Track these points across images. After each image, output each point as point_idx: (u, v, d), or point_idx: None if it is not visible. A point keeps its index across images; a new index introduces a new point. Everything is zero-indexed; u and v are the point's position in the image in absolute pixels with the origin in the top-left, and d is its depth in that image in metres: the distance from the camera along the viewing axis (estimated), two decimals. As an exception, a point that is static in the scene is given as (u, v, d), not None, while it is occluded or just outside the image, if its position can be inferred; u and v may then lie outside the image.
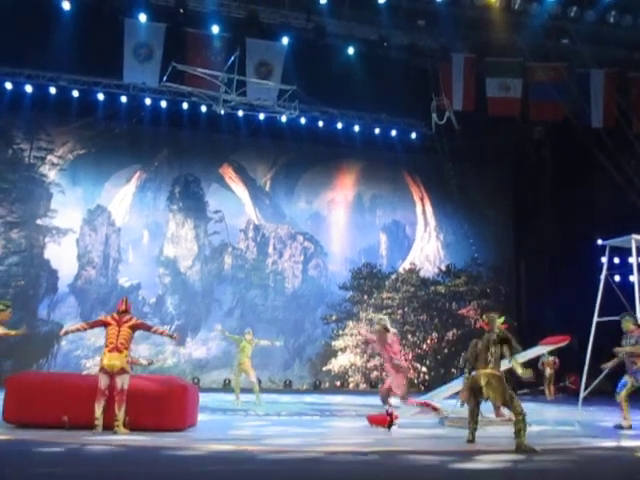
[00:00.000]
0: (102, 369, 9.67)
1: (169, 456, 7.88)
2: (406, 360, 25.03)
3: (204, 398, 16.39)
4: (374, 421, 11.79)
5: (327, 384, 24.18)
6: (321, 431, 11.21)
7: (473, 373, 9.19)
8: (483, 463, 7.92)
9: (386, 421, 11.67)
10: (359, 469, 7.64)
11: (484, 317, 9.54)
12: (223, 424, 12.01)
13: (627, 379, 12.32)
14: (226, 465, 7.67)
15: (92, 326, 10.73)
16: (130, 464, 7.46)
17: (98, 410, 9.39)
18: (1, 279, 21.83)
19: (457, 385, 13.14)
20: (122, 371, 9.62)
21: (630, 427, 12.09)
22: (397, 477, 7.18)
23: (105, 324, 10.19)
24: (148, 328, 10.86)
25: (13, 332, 11.45)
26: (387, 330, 11.63)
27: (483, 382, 8.88)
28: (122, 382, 9.54)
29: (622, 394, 12.27)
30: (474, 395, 9.21)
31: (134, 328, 10.19)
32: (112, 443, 8.41)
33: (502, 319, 9.56)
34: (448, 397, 13.26)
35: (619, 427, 12.20)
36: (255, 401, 15.40)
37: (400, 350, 12.16)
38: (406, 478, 7.15)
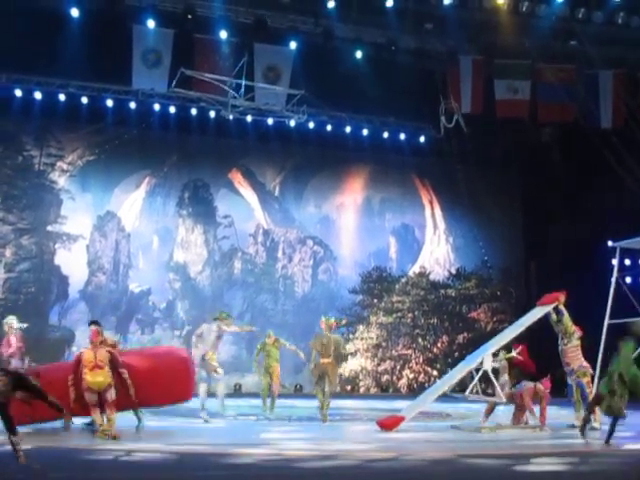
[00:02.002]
0: (88, 389, 9.70)
1: (220, 463, 7.94)
2: (416, 364, 25.07)
3: (214, 403, 16.44)
4: (384, 425, 11.80)
5: (338, 388, 24.04)
6: (332, 435, 11.20)
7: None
8: (543, 465, 8.20)
9: (395, 424, 11.71)
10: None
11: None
12: (238, 429, 12.03)
13: (576, 382, 12.42)
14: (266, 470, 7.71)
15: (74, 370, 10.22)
16: (187, 470, 7.51)
17: (99, 418, 9.46)
18: (12, 285, 21.89)
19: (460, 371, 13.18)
20: (108, 387, 9.70)
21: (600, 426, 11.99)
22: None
23: (78, 361, 10.13)
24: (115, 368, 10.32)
25: (247, 328, 12.14)
26: None
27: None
28: (110, 396, 9.63)
29: (590, 396, 12.21)
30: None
31: (110, 360, 10.09)
32: (160, 450, 8.51)
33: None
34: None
35: (592, 428, 12.06)
36: (263, 407, 15.18)
37: None
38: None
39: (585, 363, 12.58)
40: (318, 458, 8.48)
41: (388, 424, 11.78)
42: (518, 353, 12.79)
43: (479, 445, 10.16)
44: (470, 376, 12.87)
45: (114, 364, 10.11)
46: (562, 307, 12.74)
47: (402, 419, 11.91)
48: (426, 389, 24.15)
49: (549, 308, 12.88)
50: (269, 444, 9.65)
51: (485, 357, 12.24)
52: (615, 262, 15.00)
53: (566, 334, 12.60)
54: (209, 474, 7.45)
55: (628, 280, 15.22)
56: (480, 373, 12.15)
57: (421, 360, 25.25)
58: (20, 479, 6.71)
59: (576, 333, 12.64)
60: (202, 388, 13.06)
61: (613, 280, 14.73)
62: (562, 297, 12.86)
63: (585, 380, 12.38)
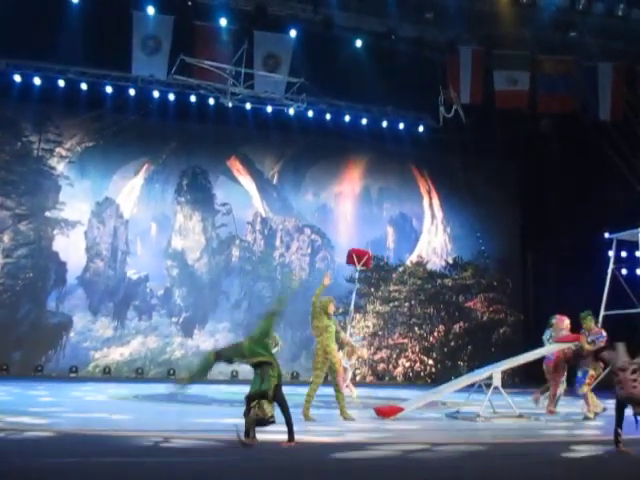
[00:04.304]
0: None
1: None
2: (412, 353, 25.11)
3: (213, 389, 16.50)
4: (382, 413, 11.83)
5: (349, 379, 24.16)
6: (330, 422, 11.22)
7: None
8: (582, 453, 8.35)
9: (393, 413, 11.72)
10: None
11: None
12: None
13: (583, 372, 12.53)
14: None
15: None
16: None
17: None
18: (10, 271, 21.89)
19: (466, 379, 13.20)
20: None
21: (597, 415, 12.20)
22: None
23: None
24: None
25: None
26: None
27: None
28: None
29: (586, 387, 12.39)
30: None
31: None
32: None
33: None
34: (458, 390, 13.31)
35: (586, 418, 12.26)
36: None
37: None
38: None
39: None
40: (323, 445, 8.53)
41: (386, 412, 11.82)
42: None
43: (468, 434, 10.18)
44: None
45: None
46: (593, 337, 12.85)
47: (401, 410, 11.95)
48: (422, 378, 24.42)
49: (567, 345, 13.01)
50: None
51: (494, 373, 12.22)
52: (612, 254, 15.00)
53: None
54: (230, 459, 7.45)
55: (624, 272, 15.21)
56: (491, 389, 12.15)
57: (417, 349, 25.31)
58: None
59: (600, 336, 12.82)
60: None
61: (609, 271, 14.74)
62: (583, 339, 12.98)
63: (592, 372, 12.52)
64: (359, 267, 14.51)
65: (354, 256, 14.50)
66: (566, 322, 13.41)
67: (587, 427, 11.55)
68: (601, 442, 9.31)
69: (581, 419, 12.40)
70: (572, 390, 13.54)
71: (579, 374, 12.85)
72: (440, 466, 7.36)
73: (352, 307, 14.89)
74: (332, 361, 11.48)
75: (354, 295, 14.90)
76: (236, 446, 7.80)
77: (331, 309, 11.56)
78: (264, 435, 8.46)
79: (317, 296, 11.53)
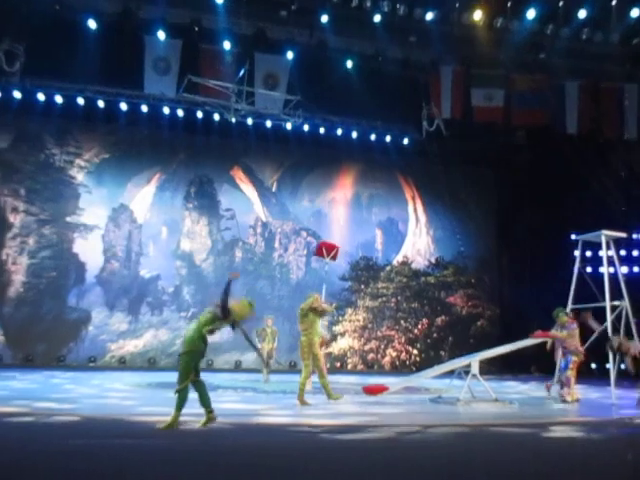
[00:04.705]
0: None
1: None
2: (399, 344, 25.23)
3: (219, 378, 16.58)
4: (369, 391, 12.04)
5: (328, 365, 24.22)
6: (327, 406, 11.31)
7: None
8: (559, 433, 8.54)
9: (379, 390, 11.91)
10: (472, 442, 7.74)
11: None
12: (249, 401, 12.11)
13: (567, 359, 12.70)
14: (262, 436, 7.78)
15: None
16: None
17: None
18: (35, 271, 21.97)
19: (447, 366, 13.34)
20: None
21: (576, 401, 12.38)
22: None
23: None
24: None
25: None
26: None
27: None
28: None
29: (570, 372, 12.58)
30: None
31: None
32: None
33: None
34: (436, 376, 13.45)
35: (564, 402, 12.43)
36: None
37: None
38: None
39: (580, 348, 12.88)
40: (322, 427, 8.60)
41: (372, 390, 12.05)
42: None
43: (451, 416, 10.30)
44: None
45: None
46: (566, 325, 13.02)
47: (386, 389, 12.11)
48: (407, 366, 24.53)
49: (539, 340, 13.19)
50: (267, 414, 9.76)
51: (473, 362, 12.34)
52: (577, 253, 15.13)
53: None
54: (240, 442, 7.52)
55: (589, 270, 15.35)
56: (469, 376, 12.26)
57: (403, 340, 25.41)
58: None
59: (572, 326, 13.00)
60: None
61: (575, 270, 14.86)
62: (555, 333, 13.17)
63: (575, 359, 12.69)
64: (328, 260, 14.53)
65: (323, 249, 14.55)
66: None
67: (565, 410, 11.59)
68: (580, 423, 9.51)
69: (559, 402, 12.54)
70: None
71: (562, 362, 13.01)
72: (437, 446, 7.47)
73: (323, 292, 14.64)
74: (315, 352, 11.65)
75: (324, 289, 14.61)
76: (245, 429, 7.87)
77: (318, 301, 11.74)
78: (269, 419, 8.55)
79: (306, 304, 11.69)
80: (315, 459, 6.48)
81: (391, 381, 14.07)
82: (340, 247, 15.40)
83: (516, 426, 9.11)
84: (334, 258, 14.73)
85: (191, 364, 7.91)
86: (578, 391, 13.11)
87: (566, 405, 12.24)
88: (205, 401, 7.92)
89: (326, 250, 14.52)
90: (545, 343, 13.57)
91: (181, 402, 7.79)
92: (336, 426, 8.65)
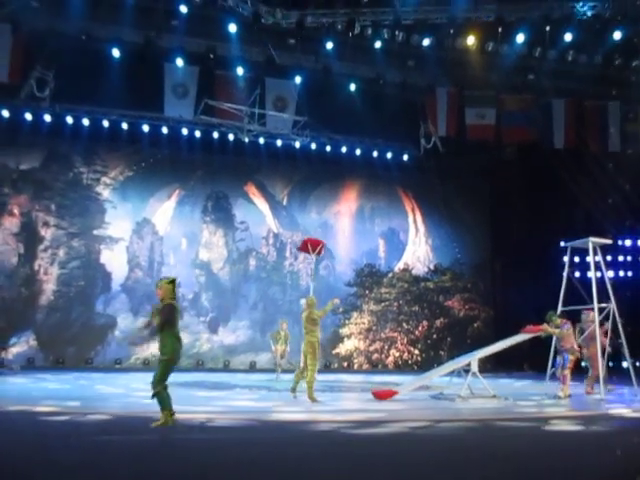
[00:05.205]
0: None
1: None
2: (401, 344, 25.16)
3: (235, 377, 16.54)
4: (379, 395, 11.84)
5: (336, 365, 24.25)
6: (335, 403, 11.27)
7: None
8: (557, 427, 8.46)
9: (389, 395, 11.74)
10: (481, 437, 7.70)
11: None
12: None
13: (564, 357, 12.66)
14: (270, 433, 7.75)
15: None
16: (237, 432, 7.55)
17: None
18: (65, 280, 22.01)
19: (450, 366, 13.28)
20: None
21: (568, 396, 12.34)
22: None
23: None
24: None
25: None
26: None
27: None
28: None
29: (567, 370, 12.54)
30: None
31: None
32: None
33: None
34: (444, 375, 13.39)
35: (558, 397, 12.38)
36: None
37: None
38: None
39: (576, 346, 12.87)
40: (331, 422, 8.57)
41: (382, 395, 11.83)
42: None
43: (454, 412, 10.25)
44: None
45: None
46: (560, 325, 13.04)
47: (395, 393, 11.97)
48: (409, 365, 24.44)
49: (531, 336, 13.17)
50: (281, 412, 9.73)
51: (472, 360, 12.28)
52: (566, 259, 15.06)
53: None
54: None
55: (577, 274, 15.29)
56: (470, 374, 12.20)
57: (405, 341, 25.34)
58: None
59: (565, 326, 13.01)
60: None
61: (565, 274, 14.80)
62: (548, 328, 13.19)
63: (572, 357, 12.68)
64: (313, 255, 14.31)
65: (309, 245, 14.30)
66: (591, 315, 13.65)
67: (558, 405, 11.52)
68: (575, 418, 9.45)
69: (553, 397, 12.48)
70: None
71: (558, 359, 12.95)
72: (450, 439, 7.45)
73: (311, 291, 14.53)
74: (315, 353, 11.45)
75: (312, 284, 14.49)
76: (265, 425, 7.85)
77: (313, 312, 11.58)
78: (284, 415, 8.50)
79: (305, 317, 11.64)
80: (336, 454, 6.43)
81: (396, 380, 14.01)
82: (325, 242, 15.05)
83: (518, 420, 9.09)
84: (319, 253, 14.38)
85: (170, 369, 7.74)
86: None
87: (559, 400, 12.17)
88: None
89: (311, 246, 14.26)
90: (538, 340, 13.51)
91: (165, 401, 7.60)
92: (352, 422, 8.60)
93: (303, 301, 12.43)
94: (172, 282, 7.95)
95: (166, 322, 7.73)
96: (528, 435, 7.82)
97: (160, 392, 7.59)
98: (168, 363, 7.66)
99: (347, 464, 5.87)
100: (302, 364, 11.78)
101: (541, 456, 6.41)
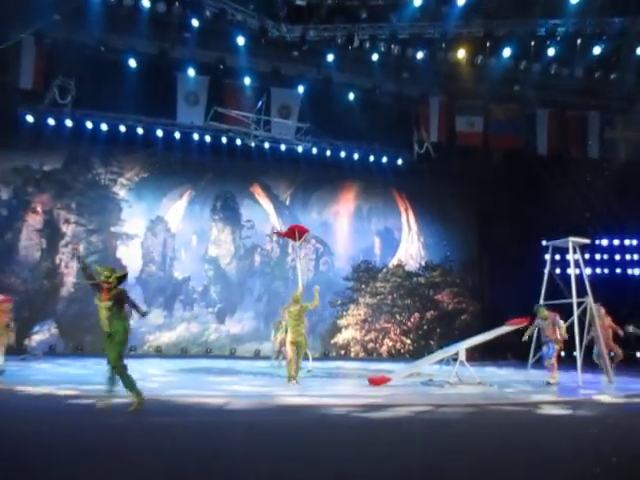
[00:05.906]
0: None
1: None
2: (394, 334, 25.22)
3: (241, 365, 16.60)
4: (374, 382, 11.92)
5: (334, 353, 24.31)
6: (332, 388, 11.32)
7: None
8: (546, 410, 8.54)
9: (383, 382, 11.81)
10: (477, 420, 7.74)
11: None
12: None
13: (549, 347, 12.76)
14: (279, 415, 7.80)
15: None
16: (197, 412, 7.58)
17: None
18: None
19: (440, 354, 13.35)
20: None
21: (558, 383, 12.45)
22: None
23: None
24: None
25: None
26: None
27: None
28: None
29: (553, 359, 12.66)
30: None
31: None
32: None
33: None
34: (434, 363, 13.46)
35: (548, 384, 12.48)
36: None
37: None
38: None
39: (560, 337, 12.98)
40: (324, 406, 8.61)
41: (377, 381, 11.92)
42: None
43: (444, 397, 10.31)
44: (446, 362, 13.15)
45: None
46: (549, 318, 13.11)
47: (389, 379, 12.04)
48: (402, 354, 24.49)
49: (515, 328, 13.24)
50: (288, 396, 9.78)
51: (460, 350, 12.33)
52: (548, 257, 15.13)
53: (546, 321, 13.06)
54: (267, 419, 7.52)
55: (558, 271, 15.34)
56: (457, 362, 12.25)
57: (398, 332, 25.39)
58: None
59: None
60: None
61: (546, 271, 14.86)
62: (526, 321, 13.28)
63: (557, 347, 12.79)
64: (298, 243, 14.26)
65: (296, 231, 14.25)
66: (602, 310, 13.95)
67: (548, 391, 11.58)
68: (566, 402, 9.53)
69: (544, 384, 12.57)
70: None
71: (544, 349, 13.04)
72: (455, 421, 7.53)
73: (299, 280, 14.54)
74: (303, 339, 12.19)
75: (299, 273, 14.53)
76: (274, 409, 7.86)
77: (300, 310, 11.87)
78: (287, 399, 8.53)
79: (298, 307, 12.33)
80: (348, 436, 6.47)
81: (389, 367, 14.07)
82: (310, 231, 14.98)
83: (512, 405, 9.18)
84: (304, 240, 14.29)
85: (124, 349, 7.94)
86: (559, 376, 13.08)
87: (548, 387, 12.26)
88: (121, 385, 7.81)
89: (298, 232, 14.23)
90: (521, 332, 13.58)
91: (129, 382, 7.73)
92: (356, 406, 8.66)
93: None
94: (123, 277, 8.14)
95: (119, 305, 7.92)
96: (528, 418, 7.97)
97: (123, 372, 7.70)
98: (122, 344, 7.90)
99: (365, 446, 5.89)
100: (290, 353, 11.94)
101: (536, 436, 6.47)
